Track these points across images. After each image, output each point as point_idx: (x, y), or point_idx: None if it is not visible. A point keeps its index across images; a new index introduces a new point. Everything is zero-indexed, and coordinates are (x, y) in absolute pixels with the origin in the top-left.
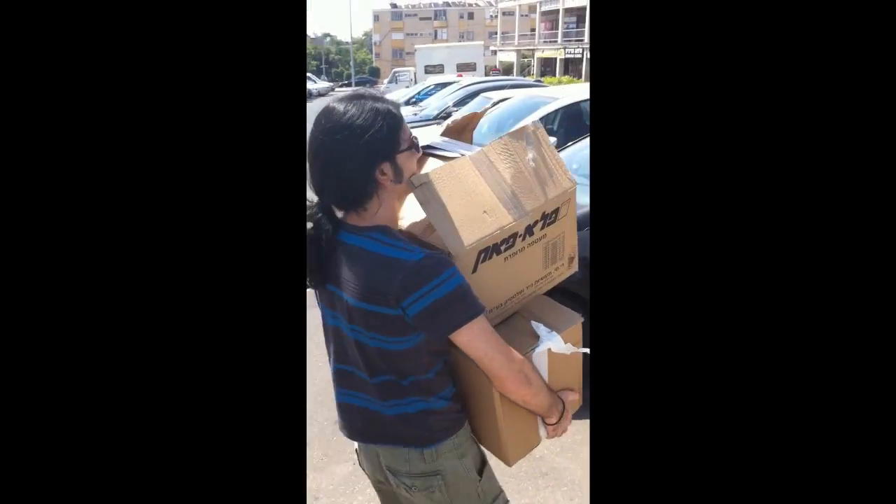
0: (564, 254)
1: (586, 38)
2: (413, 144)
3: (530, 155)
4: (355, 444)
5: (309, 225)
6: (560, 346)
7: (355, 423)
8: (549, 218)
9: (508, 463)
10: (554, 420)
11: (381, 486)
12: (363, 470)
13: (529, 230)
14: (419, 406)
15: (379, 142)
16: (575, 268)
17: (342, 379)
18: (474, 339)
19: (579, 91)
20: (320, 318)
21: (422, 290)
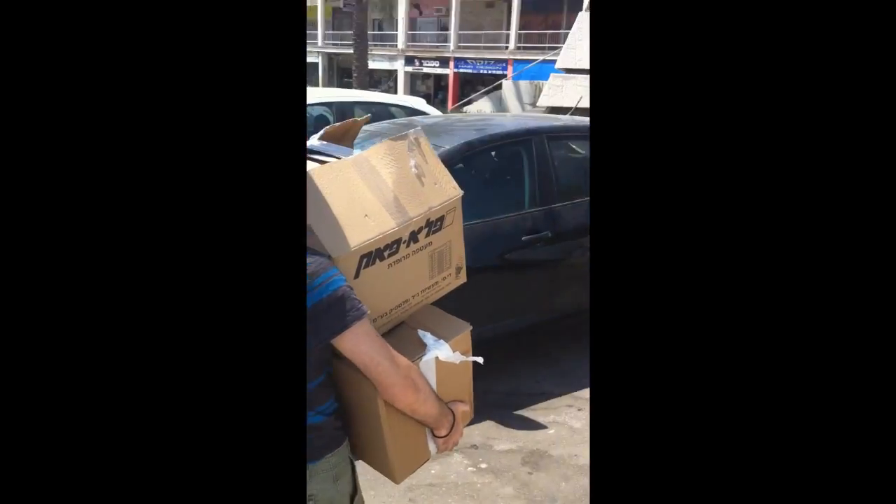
0: (452, 263)
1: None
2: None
3: (413, 161)
4: None
5: None
6: (448, 354)
7: None
8: (434, 225)
9: (395, 480)
10: (444, 432)
11: None
12: None
13: (414, 237)
14: (329, 412)
15: None
16: (463, 278)
17: None
18: (359, 342)
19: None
20: None
21: (310, 289)
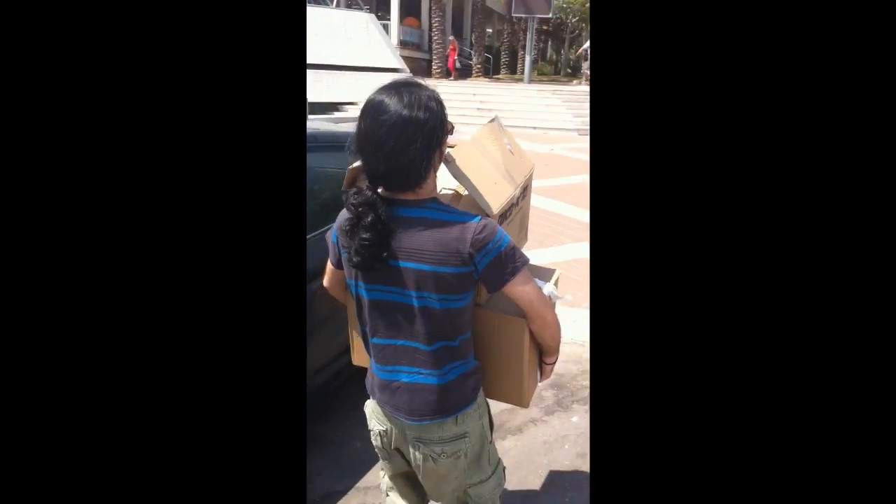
0: (525, 224)
1: None
2: (451, 128)
3: (505, 139)
4: (375, 424)
5: (361, 209)
6: (553, 290)
7: (405, 400)
8: (525, 191)
9: (525, 405)
10: (553, 359)
11: (394, 453)
12: (386, 440)
13: (516, 200)
14: (459, 370)
15: (436, 130)
16: (526, 238)
17: (393, 356)
18: (525, 284)
19: None
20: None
21: (488, 247)
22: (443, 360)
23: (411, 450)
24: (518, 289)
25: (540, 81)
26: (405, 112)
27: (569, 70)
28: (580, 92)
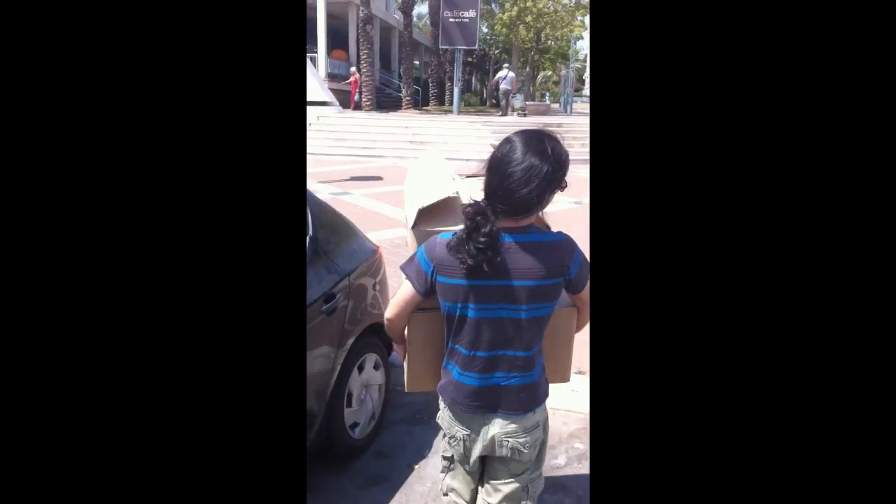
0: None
1: None
2: (566, 183)
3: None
4: (459, 430)
5: (479, 218)
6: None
7: (504, 400)
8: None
9: (568, 380)
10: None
11: (474, 449)
12: (471, 442)
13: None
14: (541, 366)
15: (561, 177)
16: None
17: (493, 365)
18: (588, 286)
19: None
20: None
21: (575, 258)
22: (535, 361)
23: (497, 447)
24: (586, 290)
25: (468, 112)
26: (550, 157)
27: (493, 101)
28: (511, 123)
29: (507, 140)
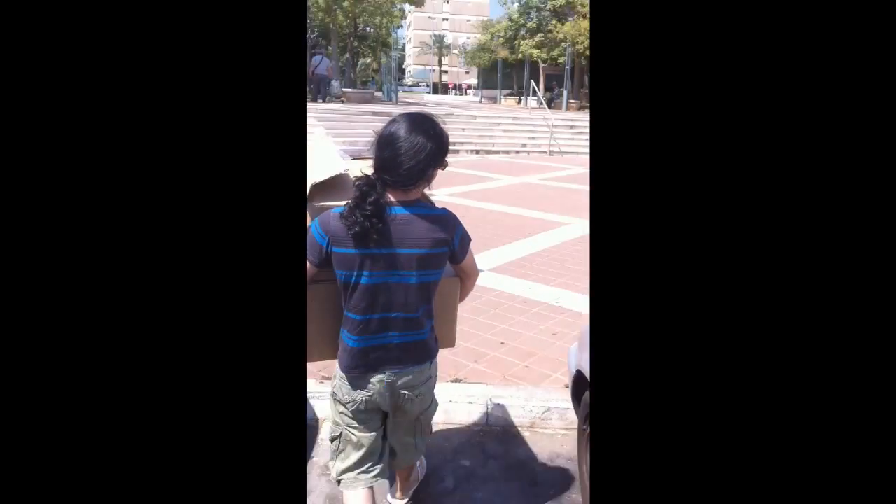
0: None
1: None
2: (446, 163)
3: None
4: (360, 393)
5: (365, 188)
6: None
7: (398, 356)
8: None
9: (453, 344)
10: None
11: (377, 408)
12: (370, 405)
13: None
14: (430, 326)
15: (443, 154)
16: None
17: (392, 324)
18: (471, 254)
19: None
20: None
21: (458, 230)
22: (423, 321)
23: (396, 397)
24: (469, 258)
25: None
26: (431, 134)
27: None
28: (337, 110)
29: (395, 120)
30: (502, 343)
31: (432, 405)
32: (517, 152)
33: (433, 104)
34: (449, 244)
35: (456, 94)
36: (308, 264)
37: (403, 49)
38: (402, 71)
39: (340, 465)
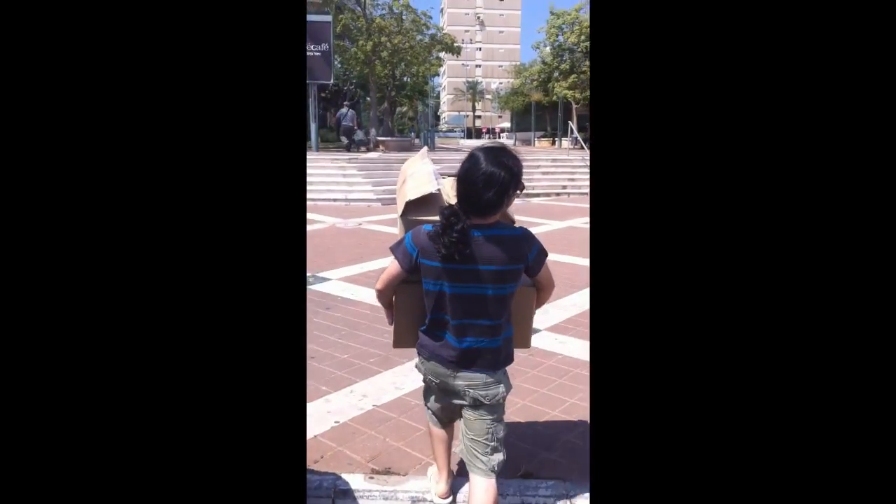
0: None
1: None
2: (522, 187)
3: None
4: (429, 381)
5: (452, 217)
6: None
7: (471, 359)
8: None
9: (529, 346)
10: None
11: (448, 405)
12: (443, 395)
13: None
14: (506, 335)
15: (516, 182)
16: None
17: (471, 330)
18: (546, 267)
19: None
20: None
21: (534, 248)
22: (500, 330)
23: (462, 395)
24: (545, 271)
25: (327, 150)
26: (505, 166)
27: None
28: (377, 159)
29: (471, 155)
30: (574, 423)
31: (502, 424)
32: (557, 194)
33: (469, 148)
34: (524, 260)
35: (489, 137)
36: (398, 267)
37: (438, 96)
38: (437, 118)
39: (427, 402)
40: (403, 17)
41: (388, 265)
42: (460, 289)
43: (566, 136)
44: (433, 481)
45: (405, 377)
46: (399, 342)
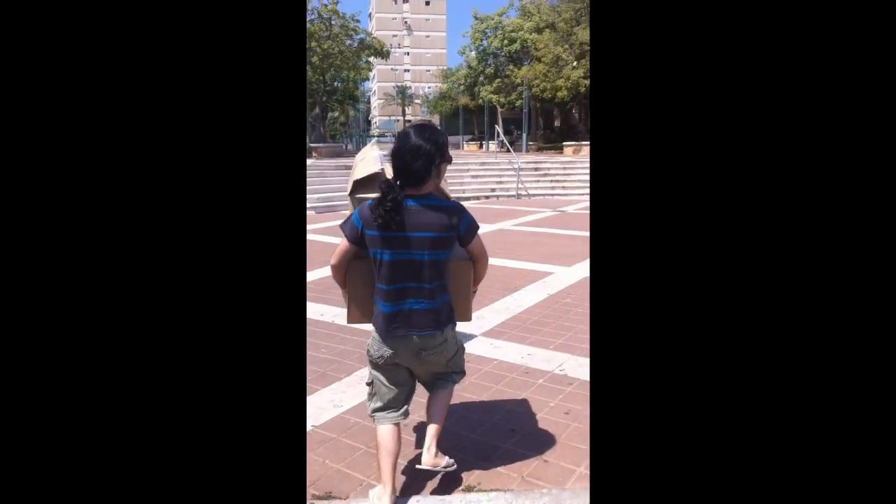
0: None
1: None
2: (449, 159)
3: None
4: (386, 349)
5: (387, 196)
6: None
7: (415, 321)
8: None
9: (469, 319)
10: (475, 288)
11: (400, 363)
12: (395, 358)
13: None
14: (444, 300)
15: (441, 154)
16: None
17: (410, 293)
18: (479, 240)
19: None
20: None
21: (465, 219)
22: (437, 293)
23: (415, 357)
24: (476, 241)
25: None
26: (425, 139)
27: None
28: (311, 166)
29: (401, 132)
30: (513, 430)
31: (457, 353)
32: (487, 197)
33: None
34: (455, 229)
35: None
36: (345, 241)
37: (368, 101)
38: (368, 122)
39: (372, 405)
40: (332, 22)
41: (340, 242)
42: (398, 255)
43: (493, 140)
44: (375, 498)
45: (343, 394)
46: (353, 318)
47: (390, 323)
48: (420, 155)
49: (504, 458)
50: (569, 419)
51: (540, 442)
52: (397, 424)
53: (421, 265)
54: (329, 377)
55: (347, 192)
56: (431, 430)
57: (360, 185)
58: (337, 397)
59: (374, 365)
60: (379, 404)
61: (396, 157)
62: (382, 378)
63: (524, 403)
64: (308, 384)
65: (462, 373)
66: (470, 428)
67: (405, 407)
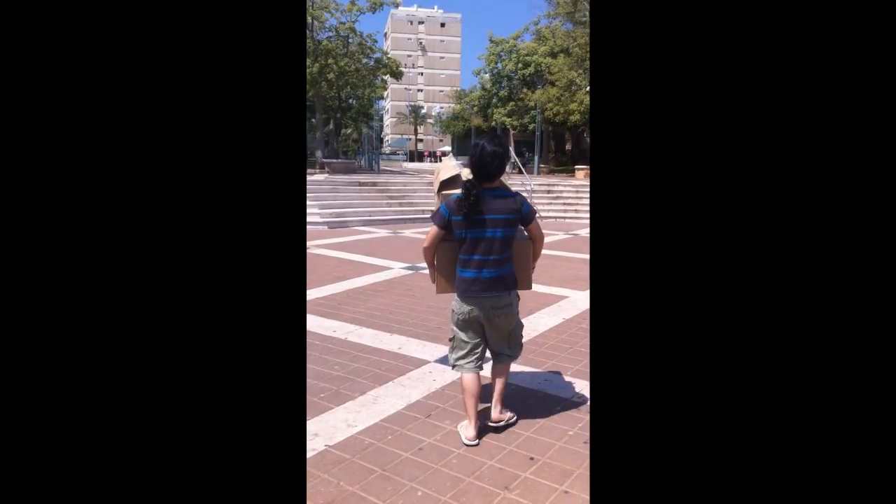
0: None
1: None
2: (511, 157)
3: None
4: (465, 307)
5: (470, 192)
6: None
7: (489, 284)
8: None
9: (530, 287)
10: (534, 264)
11: (477, 319)
12: (473, 313)
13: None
14: (509, 269)
15: (508, 156)
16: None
17: (485, 263)
18: (536, 221)
19: None
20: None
21: (525, 205)
22: (504, 263)
23: (489, 314)
24: (535, 223)
25: None
26: (500, 146)
27: None
28: (323, 182)
29: (476, 143)
30: (531, 459)
31: (517, 326)
32: None
33: (413, 171)
34: (519, 212)
35: (431, 160)
36: (435, 227)
37: (382, 119)
38: (380, 140)
39: (453, 356)
40: (350, 41)
41: (430, 230)
42: (478, 233)
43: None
44: (463, 429)
45: (357, 413)
46: (441, 287)
47: (470, 286)
48: (496, 157)
49: (524, 490)
50: (587, 449)
51: (559, 472)
52: (476, 373)
53: (493, 241)
54: (343, 395)
55: (435, 191)
56: (497, 393)
57: (445, 184)
58: (351, 417)
59: (456, 321)
60: (460, 353)
61: (478, 159)
62: (461, 334)
63: (543, 430)
64: (321, 402)
65: (520, 346)
66: (488, 454)
67: (480, 361)
